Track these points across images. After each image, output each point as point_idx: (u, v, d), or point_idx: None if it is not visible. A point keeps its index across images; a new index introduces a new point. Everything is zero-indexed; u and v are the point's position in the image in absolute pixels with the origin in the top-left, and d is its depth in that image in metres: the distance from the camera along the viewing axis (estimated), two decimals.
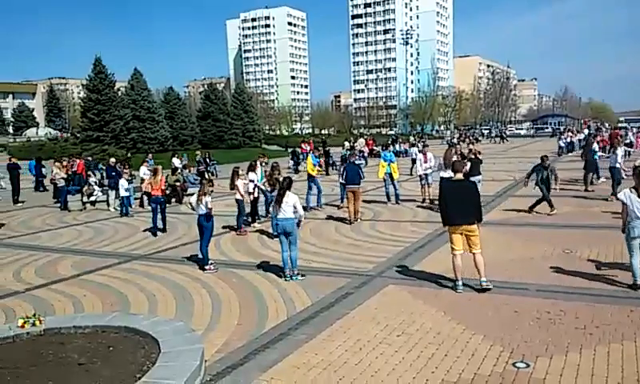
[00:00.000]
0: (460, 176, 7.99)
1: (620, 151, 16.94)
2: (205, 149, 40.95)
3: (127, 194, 17.44)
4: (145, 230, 14.30)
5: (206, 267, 9.62)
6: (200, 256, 9.92)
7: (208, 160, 30.35)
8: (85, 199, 19.86)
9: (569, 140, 37.21)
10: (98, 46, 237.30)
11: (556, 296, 7.29)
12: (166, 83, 59.69)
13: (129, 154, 28.80)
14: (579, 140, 37.15)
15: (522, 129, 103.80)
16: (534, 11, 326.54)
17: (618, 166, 16.12)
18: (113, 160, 21.44)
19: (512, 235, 11.22)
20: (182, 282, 9.05)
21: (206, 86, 68.31)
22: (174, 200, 19.67)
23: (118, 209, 17.80)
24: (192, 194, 11.07)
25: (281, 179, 10.93)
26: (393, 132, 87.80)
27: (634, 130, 48.66)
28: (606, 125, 77.03)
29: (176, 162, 25.57)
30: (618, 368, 5.19)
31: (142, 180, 19.21)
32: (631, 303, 6.89)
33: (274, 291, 8.20)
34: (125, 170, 18.46)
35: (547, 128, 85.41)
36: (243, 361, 5.79)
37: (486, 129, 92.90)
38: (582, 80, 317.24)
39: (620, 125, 78.97)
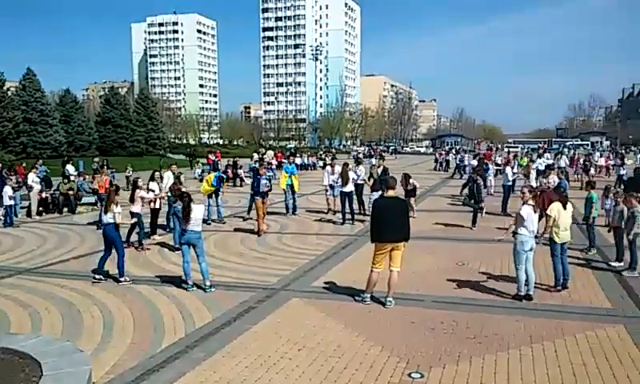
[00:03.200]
0: (393, 193, 7.96)
1: (509, 170, 18.31)
2: (104, 156, 38.86)
3: (12, 202, 16.02)
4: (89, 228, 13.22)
5: (121, 280, 9.16)
6: (101, 266, 9.39)
7: (106, 167, 28.65)
8: None
9: (466, 161, 36.96)
10: None
11: (450, 307, 7.65)
12: (63, 86, 56.12)
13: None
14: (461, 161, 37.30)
15: (421, 147, 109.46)
16: (435, 36, 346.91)
17: (509, 183, 17.42)
18: None
19: (409, 248, 11.55)
20: (72, 298, 8.42)
21: (106, 90, 65.04)
22: (66, 210, 18.39)
23: (2, 218, 16.28)
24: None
25: (183, 189, 10.60)
26: (292, 145, 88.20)
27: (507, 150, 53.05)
28: (499, 145, 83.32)
29: (70, 169, 23.96)
30: (504, 376, 5.52)
31: (31, 188, 17.78)
32: (516, 313, 7.39)
33: (173, 307, 7.86)
34: (11, 177, 16.98)
35: (446, 147, 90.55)
36: (135, 382, 5.46)
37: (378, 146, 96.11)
38: (476, 103, 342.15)
39: (510, 146, 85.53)
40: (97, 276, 9.31)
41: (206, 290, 8.53)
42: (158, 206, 13.33)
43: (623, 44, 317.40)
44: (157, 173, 13.98)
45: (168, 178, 14.53)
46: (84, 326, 7.17)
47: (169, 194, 13.95)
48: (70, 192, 18.63)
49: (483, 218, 15.01)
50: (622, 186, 18.15)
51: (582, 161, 30.27)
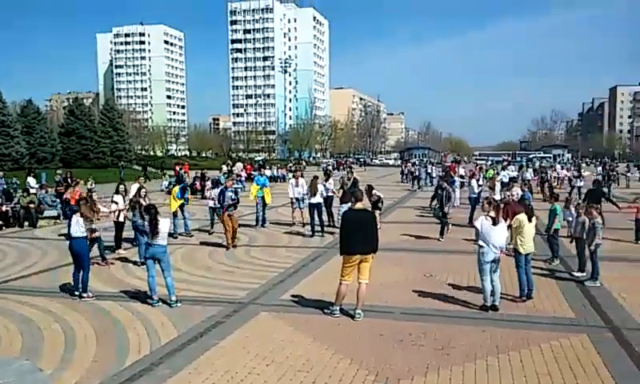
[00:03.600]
0: (361, 205, 8.01)
1: (474, 182, 18.65)
2: (67, 167, 37.90)
3: None
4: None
5: (84, 295, 8.91)
6: (79, 285, 9.08)
7: (70, 180, 27.87)
8: None
9: (434, 173, 37.68)
10: None
11: (418, 318, 7.69)
12: (25, 96, 54.29)
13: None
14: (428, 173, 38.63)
15: (390, 159, 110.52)
16: (403, 51, 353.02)
17: (474, 195, 17.72)
18: None
19: (377, 259, 11.53)
20: (32, 315, 8.12)
21: (70, 101, 63.74)
22: (27, 223, 17.81)
23: None
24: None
25: (143, 204, 10.36)
26: (260, 158, 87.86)
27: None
28: (465, 158, 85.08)
29: (31, 181, 23.28)
30: None
31: None
32: (483, 324, 7.48)
33: (137, 323, 7.66)
34: None
35: (413, 160, 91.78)
36: None
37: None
38: (443, 116, 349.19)
39: (478, 159, 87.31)
40: (84, 295, 8.98)
41: (172, 305, 8.34)
42: (122, 220, 12.99)
43: (584, 59, 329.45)
44: (121, 186, 13.63)
45: (135, 189, 14.24)
46: (44, 344, 6.92)
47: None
48: (32, 205, 18.07)
49: (450, 230, 15.19)
50: (580, 197, 18.77)
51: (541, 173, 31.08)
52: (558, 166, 41.15)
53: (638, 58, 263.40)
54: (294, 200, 17.07)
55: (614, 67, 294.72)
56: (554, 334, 7.01)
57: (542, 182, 27.24)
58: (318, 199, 15.39)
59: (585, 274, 9.99)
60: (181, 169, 37.68)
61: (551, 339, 6.82)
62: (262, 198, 17.22)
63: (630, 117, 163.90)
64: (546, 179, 28.06)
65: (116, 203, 12.78)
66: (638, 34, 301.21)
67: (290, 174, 43.71)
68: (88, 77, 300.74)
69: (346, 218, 8.09)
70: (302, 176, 17.96)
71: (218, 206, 14.21)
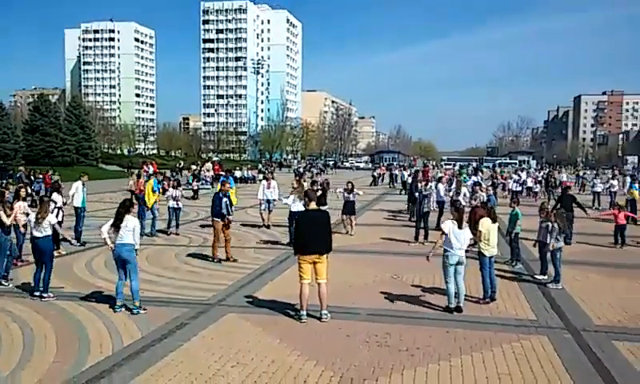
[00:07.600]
0: (314, 205, 8.07)
1: (442, 186, 18.89)
2: (31, 165, 36.88)
3: None
4: None
5: (45, 296, 8.68)
6: (39, 285, 8.79)
7: (32, 178, 27.07)
8: None
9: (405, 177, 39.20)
10: None
11: (384, 319, 7.75)
12: None
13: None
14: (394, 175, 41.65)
15: (360, 162, 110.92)
16: (374, 56, 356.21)
17: (443, 199, 17.95)
18: None
19: (346, 261, 11.65)
20: None
21: (35, 97, 62.09)
22: None
23: None
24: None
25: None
26: (217, 158, 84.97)
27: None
28: (433, 162, 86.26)
29: None
30: None
31: None
32: (446, 325, 7.59)
33: (100, 324, 7.49)
34: None
35: (385, 163, 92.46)
36: None
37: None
38: (413, 121, 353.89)
39: (445, 164, 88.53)
40: (44, 295, 8.71)
41: (133, 311, 7.99)
42: (60, 219, 12.42)
43: (547, 69, 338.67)
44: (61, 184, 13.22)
45: (76, 188, 13.96)
46: (1, 345, 6.70)
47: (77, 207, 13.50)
48: None
49: (423, 235, 15.33)
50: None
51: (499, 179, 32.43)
52: (524, 173, 42.32)
53: (601, 69, 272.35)
54: (263, 201, 16.98)
55: (577, 77, 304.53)
56: (515, 336, 7.17)
57: (494, 187, 28.30)
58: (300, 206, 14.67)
59: (547, 276, 10.25)
60: (151, 168, 37.07)
61: (513, 340, 6.97)
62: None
63: (592, 125, 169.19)
64: (497, 184, 29.48)
65: (54, 202, 12.29)
66: (601, 46, 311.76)
67: (261, 175, 43.62)
68: (54, 73, 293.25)
69: (300, 219, 8.16)
70: (273, 178, 17.88)
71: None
